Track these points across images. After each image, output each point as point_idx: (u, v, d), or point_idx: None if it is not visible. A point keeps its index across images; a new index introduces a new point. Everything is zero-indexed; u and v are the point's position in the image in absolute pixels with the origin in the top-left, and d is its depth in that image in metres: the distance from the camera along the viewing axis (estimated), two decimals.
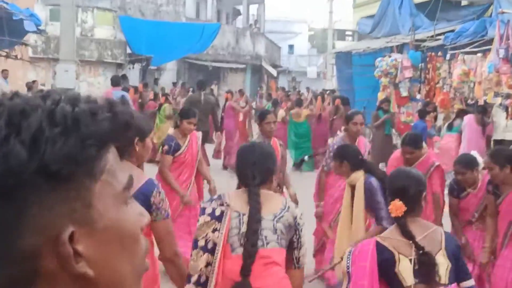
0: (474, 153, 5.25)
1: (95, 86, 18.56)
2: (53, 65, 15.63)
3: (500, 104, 10.39)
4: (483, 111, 10.61)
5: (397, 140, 11.30)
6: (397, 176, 3.21)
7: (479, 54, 11.35)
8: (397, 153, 5.77)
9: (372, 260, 2.93)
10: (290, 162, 12.63)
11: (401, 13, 17.36)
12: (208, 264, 2.87)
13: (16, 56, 11.60)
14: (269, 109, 9.53)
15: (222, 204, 2.93)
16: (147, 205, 2.90)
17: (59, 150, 0.68)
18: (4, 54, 11.54)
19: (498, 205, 4.60)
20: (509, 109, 9.79)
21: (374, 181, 4.58)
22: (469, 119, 10.52)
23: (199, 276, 2.88)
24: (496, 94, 10.52)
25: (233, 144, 12.27)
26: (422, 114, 11.55)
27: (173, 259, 3.04)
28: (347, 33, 41.90)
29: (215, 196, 3.06)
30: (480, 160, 5.00)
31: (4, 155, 0.67)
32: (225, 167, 12.32)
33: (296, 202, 5.30)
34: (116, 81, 12.26)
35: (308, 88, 26.67)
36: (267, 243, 2.85)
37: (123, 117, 0.75)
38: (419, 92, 14.00)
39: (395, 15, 17.64)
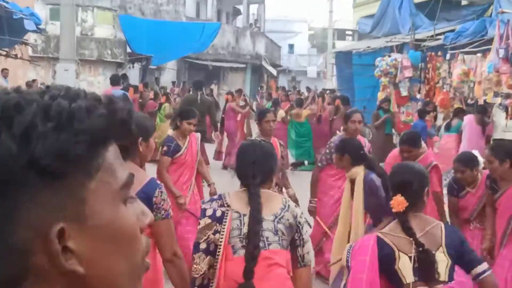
0: (475, 152, 5.24)
1: (95, 85, 18.55)
2: (53, 64, 15.65)
3: (500, 104, 10.39)
4: (483, 111, 10.61)
5: (397, 140, 11.30)
6: (399, 170, 3.16)
7: (479, 54, 11.35)
8: (395, 151, 5.78)
9: (373, 255, 2.91)
10: (290, 161, 12.70)
11: (401, 12, 17.37)
12: (210, 266, 2.85)
13: (16, 55, 11.59)
14: (269, 108, 9.53)
15: (222, 205, 2.91)
16: (149, 204, 2.88)
17: (50, 145, 0.67)
18: (4, 53, 11.53)
19: (495, 201, 4.59)
20: (509, 109, 9.79)
21: (375, 177, 4.57)
22: (469, 119, 10.52)
23: (203, 279, 2.87)
24: (496, 94, 10.52)
25: (234, 145, 12.26)
26: (422, 113, 11.56)
27: (172, 259, 3.01)
28: (347, 32, 41.90)
29: (216, 196, 3.03)
30: (481, 159, 4.99)
31: None
32: (225, 166, 12.33)
33: (296, 202, 5.30)
34: (115, 80, 12.26)
35: (308, 88, 26.68)
36: (269, 244, 2.84)
37: (120, 115, 0.74)
38: (419, 92, 14.01)
39: (395, 15, 17.64)
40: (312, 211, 5.83)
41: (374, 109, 13.16)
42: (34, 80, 16.38)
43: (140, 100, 13.31)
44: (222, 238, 2.84)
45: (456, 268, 2.97)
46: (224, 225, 2.85)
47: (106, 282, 0.73)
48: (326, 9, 40.09)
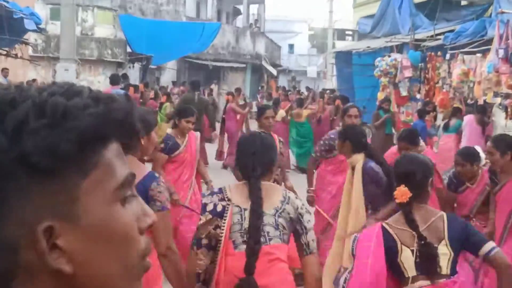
0: (478, 148, 5.24)
1: (95, 85, 18.55)
2: (53, 64, 15.64)
3: (500, 104, 10.40)
4: (483, 111, 10.61)
5: None
6: (403, 161, 3.15)
7: (478, 54, 11.36)
8: (393, 149, 5.81)
9: (378, 241, 2.91)
10: (291, 160, 12.72)
11: (401, 13, 17.36)
12: (212, 261, 2.85)
13: (16, 55, 11.59)
14: (268, 104, 9.54)
15: (223, 199, 2.90)
16: (146, 197, 2.87)
17: (40, 141, 0.67)
18: (4, 52, 11.54)
19: (495, 194, 4.59)
20: (509, 109, 9.80)
21: (374, 165, 4.60)
22: (469, 119, 10.51)
23: (205, 274, 2.87)
24: (496, 94, 10.53)
25: (235, 145, 12.27)
26: (422, 113, 11.56)
27: (166, 253, 2.96)
28: (347, 32, 41.87)
29: (216, 190, 3.01)
30: (482, 156, 4.99)
31: None
32: (225, 166, 12.34)
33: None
34: (115, 80, 12.27)
35: (308, 88, 26.68)
36: (270, 239, 2.83)
37: (117, 114, 0.72)
38: (418, 92, 14.01)
39: (395, 15, 17.64)
40: (310, 201, 5.85)
41: (374, 109, 13.17)
42: (34, 80, 16.38)
43: (141, 100, 13.32)
44: (222, 233, 2.83)
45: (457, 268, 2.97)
46: (225, 220, 2.84)
47: (97, 282, 0.72)
48: (326, 9, 40.07)
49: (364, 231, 3.11)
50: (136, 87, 13.05)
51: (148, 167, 3.51)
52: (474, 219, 4.94)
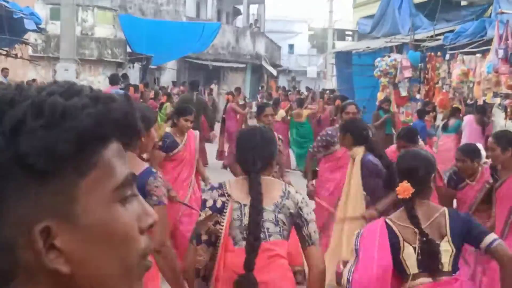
0: (479, 145, 5.25)
1: (95, 85, 18.50)
2: (53, 64, 15.63)
3: (499, 104, 10.41)
4: (483, 111, 10.61)
5: None
6: (405, 157, 3.14)
7: (478, 55, 11.37)
8: (392, 147, 5.83)
9: (383, 235, 2.91)
10: (292, 159, 12.73)
11: (401, 13, 17.37)
12: (211, 257, 2.85)
13: (16, 55, 11.60)
14: (267, 102, 9.57)
15: (222, 194, 2.88)
16: (143, 192, 2.85)
17: (38, 142, 0.66)
18: (4, 52, 11.54)
19: (496, 190, 4.60)
20: (508, 109, 9.81)
21: (372, 158, 4.66)
22: (469, 119, 10.51)
23: (205, 270, 2.87)
24: (495, 95, 10.54)
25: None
26: (421, 114, 11.56)
27: (160, 249, 2.93)
28: (347, 33, 41.87)
29: (216, 185, 2.98)
30: (484, 153, 5.00)
31: None
32: (225, 166, 12.34)
33: None
34: (114, 80, 12.28)
35: (308, 88, 26.67)
36: (269, 236, 2.81)
37: (117, 114, 0.72)
38: (418, 92, 14.02)
39: (395, 15, 17.64)
40: (311, 194, 5.87)
41: (374, 109, 13.18)
42: (34, 80, 16.38)
43: (141, 100, 13.32)
44: (222, 229, 2.82)
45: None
46: (224, 216, 2.83)
47: (96, 282, 0.71)
48: (326, 9, 40.04)
49: (367, 226, 3.11)
50: (136, 87, 13.05)
51: (146, 165, 3.50)
52: (473, 216, 4.94)
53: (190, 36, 20.11)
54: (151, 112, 3.46)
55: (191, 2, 29.24)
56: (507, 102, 9.97)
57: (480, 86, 10.72)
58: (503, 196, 4.50)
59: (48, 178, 0.68)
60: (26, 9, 10.45)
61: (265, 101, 18.67)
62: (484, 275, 4.46)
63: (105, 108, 0.71)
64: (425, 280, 2.90)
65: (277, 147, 3.11)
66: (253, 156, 2.89)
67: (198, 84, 12.19)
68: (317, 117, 13.52)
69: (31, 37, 14.42)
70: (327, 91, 19.75)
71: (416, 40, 15.20)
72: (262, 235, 2.79)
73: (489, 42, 10.73)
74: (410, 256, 2.90)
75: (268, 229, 2.82)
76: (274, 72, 33.28)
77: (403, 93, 14.23)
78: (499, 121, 10.40)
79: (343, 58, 20.90)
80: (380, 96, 14.71)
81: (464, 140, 10.26)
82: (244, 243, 2.79)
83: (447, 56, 12.61)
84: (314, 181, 5.95)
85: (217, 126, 14.55)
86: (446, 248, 2.89)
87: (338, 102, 13.46)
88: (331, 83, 28.12)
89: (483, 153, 5.00)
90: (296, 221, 2.85)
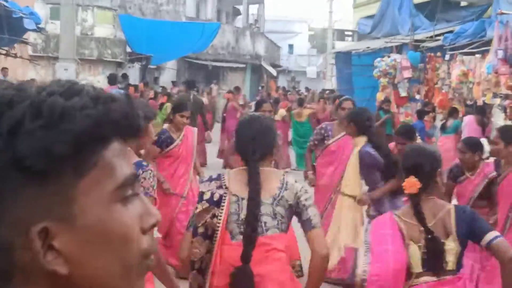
0: (483, 140, 5.27)
1: (94, 84, 18.53)
2: (53, 64, 15.64)
3: (499, 105, 10.41)
4: (483, 112, 10.62)
5: None
6: (411, 153, 3.13)
7: (478, 55, 11.38)
8: (391, 145, 5.85)
9: (393, 227, 2.90)
10: (292, 160, 12.74)
11: (401, 13, 17.38)
12: (208, 251, 2.82)
13: (15, 55, 11.60)
14: (265, 99, 9.61)
15: (220, 186, 2.84)
16: None
17: (35, 143, 0.66)
18: (4, 52, 11.54)
19: (498, 184, 4.60)
20: (508, 110, 9.81)
21: (370, 149, 4.74)
22: (469, 119, 10.51)
23: (201, 263, 2.84)
24: (495, 95, 10.54)
25: None
26: (421, 114, 11.56)
27: None
28: (346, 33, 41.90)
29: (215, 176, 2.93)
30: (487, 148, 5.01)
31: None
32: (225, 166, 12.34)
33: None
34: (113, 80, 12.29)
35: (307, 88, 26.69)
36: (267, 230, 2.78)
37: (116, 114, 0.71)
38: (418, 93, 14.03)
39: (395, 16, 17.66)
40: (310, 182, 5.96)
41: (374, 109, 13.17)
42: (33, 80, 16.37)
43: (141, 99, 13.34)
44: (219, 222, 2.79)
45: None
46: (222, 209, 2.79)
47: (95, 283, 0.71)
48: (326, 10, 40.10)
49: (376, 220, 3.09)
50: (136, 87, 13.07)
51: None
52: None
53: (189, 36, 20.11)
54: (149, 109, 3.45)
55: (191, 2, 29.24)
56: (506, 102, 9.97)
57: (479, 86, 10.73)
58: (504, 190, 4.52)
59: (46, 179, 0.67)
60: (26, 8, 10.45)
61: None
62: (483, 271, 4.47)
63: (105, 109, 0.70)
64: (428, 278, 2.89)
65: (277, 136, 3.02)
66: (253, 145, 2.83)
67: (194, 83, 12.22)
68: (317, 117, 13.52)
69: (30, 36, 14.42)
70: (327, 91, 19.77)
71: (416, 41, 15.21)
72: (259, 229, 2.75)
73: (489, 42, 10.74)
74: (414, 255, 2.89)
75: (265, 223, 2.78)
76: (274, 72, 33.28)
77: (403, 93, 14.24)
78: (498, 122, 10.40)
79: (343, 59, 20.92)
80: (380, 96, 14.71)
81: None
82: (241, 237, 2.76)
83: (447, 57, 12.62)
84: (312, 171, 6.11)
85: (217, 126, 14.57)
86: (451, 247, 2.88)
87: (338, 102, 13.49)
88: (330, 83, 28.15)
89: (486, 148, 5.01)
90: (296, 210, 2.80)
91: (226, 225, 2.80)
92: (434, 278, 2.88)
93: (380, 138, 4.87)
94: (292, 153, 13.03)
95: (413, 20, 16.15)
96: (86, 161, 0.69)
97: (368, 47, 18.47)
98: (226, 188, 2.83)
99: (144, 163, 3.08)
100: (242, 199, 2.80)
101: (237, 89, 15.60)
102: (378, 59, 15.22)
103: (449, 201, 4.98)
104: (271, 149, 2.91)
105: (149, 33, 18.20)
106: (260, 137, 2.86)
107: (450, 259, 2.88)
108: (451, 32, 13.71)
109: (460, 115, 11.28)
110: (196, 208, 2.88)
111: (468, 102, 12.00)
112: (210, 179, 2.91)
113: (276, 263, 2.79)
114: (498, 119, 10.40)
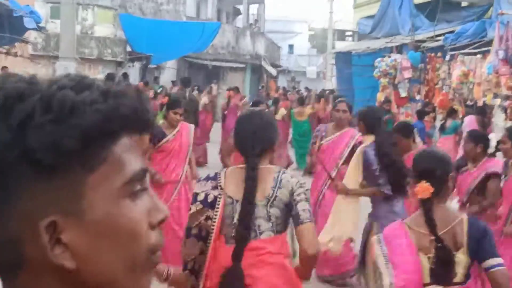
0: (492, 135, 5.28)
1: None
2: (53, 63, 15.63)
3: (500, 106, 10.41)
4: (483, 112, 10.61)
5: None
6: (422, 157, 3.08)
7: (478, 55, 11.37)
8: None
9: (406, 236, 2.86)
10: (293, 159, 12.72)
11: (401, 13, 17.38)
12: (202, 252, 2.77)
13: (16, 53, 11.61)
14: (261, 99, 9.62)
15: (215, 187, 2.78)
16: None
17: (44, 137, 0.66)
18: (4, 51, 11.54)
19: (504, 184, 4.62)
20: (508, 110, 9.80)
21: (369, 150, 4.75)
22: (470, 119, 10.50)
23: (194, 264, 2.80)
24: (495, 96, 10.54)
25: None
26: (421, 114, 11.55)
27: None
28: (347, 33, 41.90)
29: (212, 175, 2.88)
30: (493, 144, 5.02)
31: None
32: (225, 165, 12.33)
33: None
34: (111, 79, 12.28)
35: (307, 88, 26.66)
36: (261, 233, 2.72)
37: (126, 109, 0.71)
38: (418, 93, 14.02)
39: (395, 16, 17.65)
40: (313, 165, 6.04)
41: None
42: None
43: None
44: (214, 225, 2.74)
45: None
46: (217, 211, 2.74)
47: (101, 277, 0.71)
48: (326, 10, 40.10)
49: (386, 231, 3.01)
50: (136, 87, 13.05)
51: None
52: (469, 208, 4.94)
53: (190, 35, 20.09)
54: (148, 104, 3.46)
55: (191, 1, 29.23)
56: (507, 103, 9.97)
57: (480, 87, 10.72)
58: (508, 190, 4.52)
59: (55, 173, 0.67)
60: (26, 7, 10.44)
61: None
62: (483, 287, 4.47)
63: (115, 103, 0.70)
64: None
65: (277, 131, 2.96)
66: (252, 140, 2.76)
67: (190, 81, 12.28)
68: (318, 116, 13.52)
69: (31, 35, 14.41)
70: (327, 92, 19.76)
71: (416, 41, 15.20)
72: (253, 233, 2.70)
73: (490, 43, 10.73)
74: (424, 266, 2.83)
75: (259, 226, 2.72)
76: (274, 72, 33.27)
77: (403, 93, 14.23)
78: (499, 122, 10.40)
79: (343, 59, 20.91)
80: (380, 96, 14.70)
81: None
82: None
83: (447, 57, 12.62)
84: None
85: (217, 125, 14.54)
86: (461, 259, 2.82)
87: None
88: (330, 83, 28.14)
89: (492, 143, 5.01)
90: (289, 207, 2.73)
91: (220, 228, 2.75)
92: None
93: (386, 139, 4.84)
94: (292, 153, 13.01)
95: (413, 20, 16.15)
96: (95, 156, 0.69)
97: (368, 47, 18.46)
98: (222, 189, 2.78)
99: None
100: (236, 201, 2.74)
101: (236, 89, 15.59)
102: (378, 59, 15.22)
103: (452, 191, 5.01)
104: (271, 144, 2.84)
105: (149, 33, 18.18)
106: (260, 132, 2.79)
107: (460, 271, 2.82)
108: (451, 32, 13.71)
109: (460, 115, 11.27)
110: (190, 209, 2.83)
111: (469, 103, 11.99)
112: (207, 178, 2.85)
113: (270, 267, 2.72)
114: (499, 120, 10.40)
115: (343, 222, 4.91)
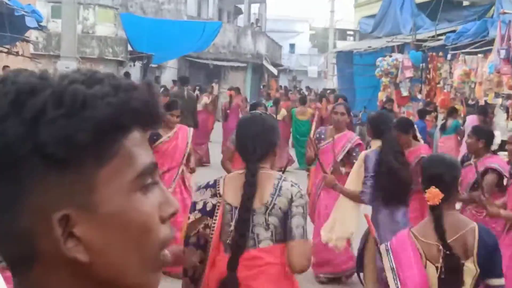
0: (497, 132, 5.29)
1: None
2: (54, 62, 15.64)
3: (501, 105, 10.39)
4: (484, 112, 10.59)
5: None
6: (431, 163, 3.03)
7: (480, 55, 11.35)
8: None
9: (413, 247, 2.84)
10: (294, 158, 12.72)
11: (403, 13, 17.36)
12: (201, 261, 2.75)
13: (17, 53, 11.60)
14: (260, 101, 9.64)
15: (215, 195, 2.75)
16: None
17: (57, 132, 0.66)
18: (5, 50, 11.54)
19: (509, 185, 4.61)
20: (510, 110, 9.79)
21: (372, 154, 4.75)
22: (472, 119, 10.48)
23: (194, 272, 2.79)
24: (497, 95, 10.52)
25: None
26: (422, 114, 11.54)
27: None
28: (348, 32, 41.86)
29: (211, 182, 2.82)
30: (497, 141, 5.02)
31: (1, 132, 0.67)
32: None
33: None
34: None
35: (308, 88, 26.66)
36: (259, 242, 2.67)
37: (137, 103, 0.71)
38: (419, 92, 14.02)
39: (397, 15, 17.63)
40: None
41: (375, 109, 13.17)
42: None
43: None
44: (212, 233, 2.71)
45: None
46: (215, 220, 2.71)
47: (114, 271, 0.71)
48: (327, 9, 40.08)
49: (394, 241, 2.96)
50: None
51: None
52: (469, 207, 4.93)
53: (191, 35, 20.09)
54: None
55: (192, 1, 29.23)
56: (508, 102, 9.95)
57: (481, 86, 10.70)
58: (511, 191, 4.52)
59: (68, 167, 0.68)
60: (28, 6, 10.44)
61: (264, 101, 18.66)
62: None
63: (126, 97, 0.71)
64: None
65: (279, 134, 2.92)
66: (254, 144, 2.73)
67: (188, 80, 12.28)
68: (321, 116, 13.51)
69: (32, 35, 14.40)
70: (328, 91, 19.75)
71: (418, 40, 15.18)
72: (251, 242, 2.67)
73: (491, 42, 10.71)
74: (432, 276, 2.80)
75: (258, 235, 2.67)
76: (275, 71, 33.27)
77: (404, 93, 14.22)
78: (500, 122, 10.39)
79: (344, 58, 20.89)
80: (381, 96, 14.70)
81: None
82: None
83: (449, 56, 12.60)
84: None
85: (218, 125, 14.53)
86: (470, 268, 2.78)
87: (340, 100, 13.49)
88: (332, 82, 28.12)
89: (496, 140, 5.01)
90: (287, 216, 2.67)
91: (220, 236, 2.72)
92: None
93: (392, 146, 4.77)
94: (293, 152, 13.01)
95: (415, 20, 16.13)
96: (107, 150, 0.70)
97: (369, 47, 18.44)
98: (220, 196, 2.74)
99: None
100: (235, 208, 2.70)
101: (237, 90, 15.60)
102: (380, 58, 15.21)
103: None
104: (273, 148, 2.80)
105: (150, 32, 18.18)
106: (262, 136, 2.76)
107: (468, 281, 2.78)
108: (453, 31, 13.68)
109: (461, 114, 11.26)
110: (189, 218, 2.79)
111: (470, 102, 11.97)
112: (206, 186, 2.80)
113: (268, 277, 2.68)
114: (500, 119, 10.39)
115: (346, 219, 4.92)
